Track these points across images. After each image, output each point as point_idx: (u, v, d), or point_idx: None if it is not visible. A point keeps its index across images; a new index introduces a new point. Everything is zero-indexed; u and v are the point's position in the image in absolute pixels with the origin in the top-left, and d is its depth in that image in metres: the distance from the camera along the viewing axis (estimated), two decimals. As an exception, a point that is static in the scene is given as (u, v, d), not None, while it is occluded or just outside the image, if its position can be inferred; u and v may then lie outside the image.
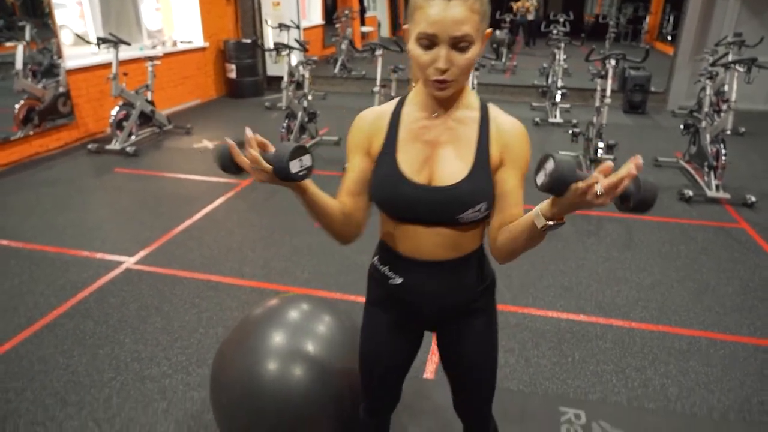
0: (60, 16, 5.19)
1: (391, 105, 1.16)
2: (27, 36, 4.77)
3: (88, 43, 5.55)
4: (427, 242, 1.13)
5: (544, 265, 3.20)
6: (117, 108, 5.25)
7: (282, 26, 7.58)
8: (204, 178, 4.64)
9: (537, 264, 3.19)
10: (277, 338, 1.59)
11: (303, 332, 1.63)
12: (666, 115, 7.15)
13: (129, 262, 3.20)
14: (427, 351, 2.42)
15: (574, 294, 2.93)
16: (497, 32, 10.07)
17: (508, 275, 3.04)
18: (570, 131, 5.08)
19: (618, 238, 3.59)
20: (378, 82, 4.92)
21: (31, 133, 4.95)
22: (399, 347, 1.32)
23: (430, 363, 2.36)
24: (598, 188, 0.81)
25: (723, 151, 4.17)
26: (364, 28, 13.21)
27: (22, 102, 4.83)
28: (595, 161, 4.50)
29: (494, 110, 1.12)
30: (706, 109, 4.69)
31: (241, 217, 3.88)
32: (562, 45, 6.98)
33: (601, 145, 4.50)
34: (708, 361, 2.40)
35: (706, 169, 4.36)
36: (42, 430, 1.97)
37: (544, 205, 0.93)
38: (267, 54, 8.17)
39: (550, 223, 0.93)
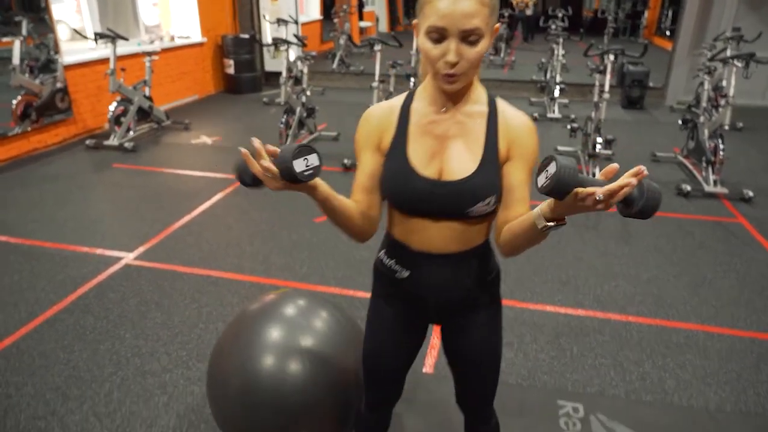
0: (57, 11, 5.16)
1: (399, 100, 1.17)
2: (23, 31, 4.75)
3: (86, 38, 5.53)
4: (436, 236, 1.14)
5: (542, 260, 3.22)
6: (115, 103, 5.24)
7: (280, 21, 7.56)
8: (203, 174, 4.64)
9: (535, 258, 3.21)
10: (274, 334, 1.60)
11: (299, 327, 1.63)
12: (664, 110, 7.16)
13: (128, 257, 3.20)
14: (427, 345, 2.43)
15: (572, 288, 2.94)
16: (496, 27, 10.04)
17: (506, 270, 3.04)
18: (568, 126, 5.08)
19: (616, 233, 3.60)
20: (377, 78, 4.91)
21: (29, 128, 4.94)
22: (404, 342, 1.33)
23: (429, 357, 2.37)
24: (598, 194, 0.81)
25: (721, 146, 4.18)
26: (363, 23, 13.18)
27: (19, 97, 4.82)
28: (594, 156, 4.51)
29: (502, 104, 1.13)
30: (704, 104, 4.70)
31: (240, 212, 3.89)
32: (561, 40, 6.98)
33: (599, 140, 4.51)
34: (705, 354, 2.42)
35: (704, 164, 4.37)
36: (43, 424, 1.99)
37: (545, 206, 0.94)
38: (265, 49, 8.14)
39: (551, 224, 0.93)
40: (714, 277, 3.07)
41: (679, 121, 5.06)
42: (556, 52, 6.99)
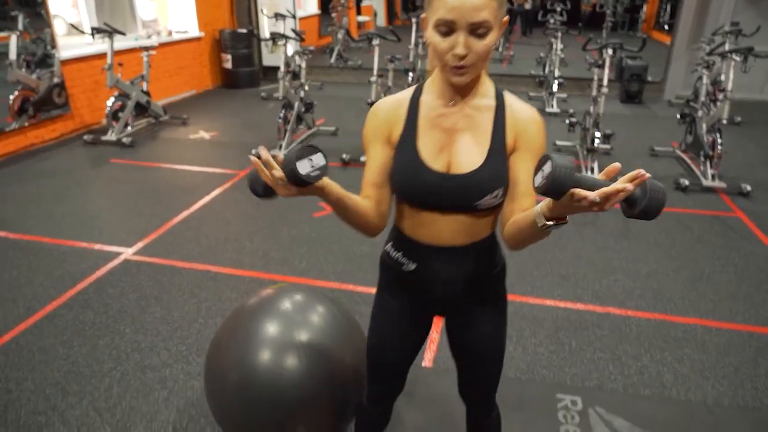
0: (53, 6, 5.13)
1: (407, 93, 1.17)
2: (20, 26, 4.72)
3: (82, 33, 5.50)
4: (444, 229, 1.15)
5: (542, 254, 3.22)
6: (112, 99, 5.22)
7: (278, 16, 7.52)
8: (201, 169, 4.63)
9: (534, 253, 3.21)
10: (271, 328, 1.60)
11: (296, 322, 1.64)
12: (663, 104, 7.16)
13: (127, 252, 3.20)
14: (426, 340, 2.43)
15: (571, 283, 2.95)
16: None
17: (507, 264, 3.05)
18: (567, 121, 5.08)
19: (614, 228, 3.61)
20: (375, 72, 4.89)
21: (26, 124, 4.93)
22: (409, 335, 1.34)
23: (428, 351, 2.38)
24: (594, 196, 0.80)
25: (719, 141, 4.19)
26: (361, 18, 13.13)
27: (16, 93, 4.80)
28: (592, 151, 4.51)
29: (510, 98, 1.13)
30: (702, 98, 4.69)
31: (239, 207, 3.88)
32: (559, 34, 6.96)
33: (597, 134, 4.51)
34: (703, 348, 2.43)
35: (702, 159, 4.38)
36: (44, 419, 1.99)
37: (544, 205, 0.93)
38: (263, 44, 8.12)
39: (550, 223, 0.93)
40: (712, 272, 3.08)
41: (678, 116, 5.06)
42: (554, 46, 6.98)
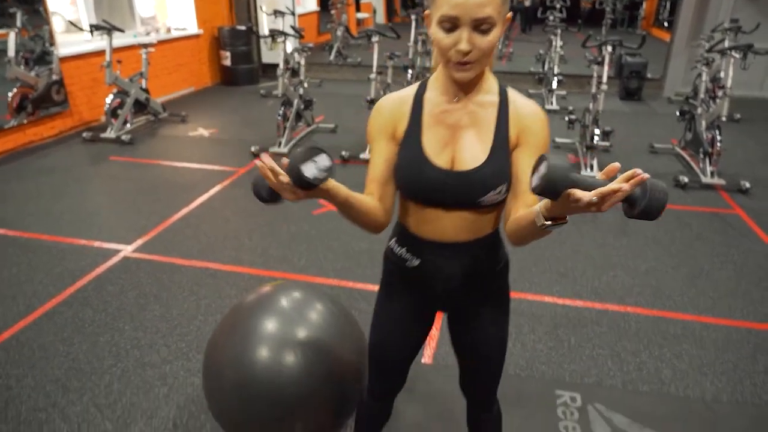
0: (51, 3, 5.12)
1: (411, 90, 1.17)
2: (18, 23, 4.71)
3: (81, 30, 5.49)
4: (448, 225, 1.15)
5: (541, 251, 3.22)
6: (111, 96, 5.21)
7: (277, 12, 7.51)
8: (200, 166, 4.63)
9: (533, 250, 3.22)
10: (268, 326, 1.60)
11: (294, 319, 1.63)
12: (662, 101, 7.16)
13: (126, 250, 3.20)
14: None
15: (570, 279, 2.96)
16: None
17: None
18: (566, 118, 5.08)
19: (614, 224, 3.61)
20: (374, 69, 4.89)
21: (25, 121, 4.92)
22: (412, 331, 1.34)
23: (428, 348, 2.38)
24: (591, 197, 0.80)
25: (718, 138, 4.19)
26: (360, 15, 13.11)
27: (15, 90, 4.79)
28: (592, 148, 4.51)
29: (513, 94, 1.13)
30: (702, 95, 4.70)
31: (238, 204, 3.88)
32: (559, 31, 6.95)
33: (597, 131, 4.51)
34: (701, 344, 2.44)
35: (702, 156, 4.38)
36: (44, 415, 1.99)
37: (543, 204, 0.93)
38: (262, 41, 8.10)
39: (549, 223, 0.93)
40: (711, 269, 3.08)
41: (677, 113, 5.06)
42: (554, 43, 6.97)
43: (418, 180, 1.12)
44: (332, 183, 0.96)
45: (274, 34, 5.32)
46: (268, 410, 1.55)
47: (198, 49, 7.51)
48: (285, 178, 0.90)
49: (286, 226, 3.53)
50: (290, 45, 5.77)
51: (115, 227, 3.51)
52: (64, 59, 5.23)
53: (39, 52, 4.98)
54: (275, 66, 5.55)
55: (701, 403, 2.10)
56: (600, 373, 2.26)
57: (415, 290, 1.26)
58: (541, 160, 0.84)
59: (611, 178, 0.81)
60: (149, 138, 5.42)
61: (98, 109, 5.69)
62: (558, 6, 9.26)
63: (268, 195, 0.96)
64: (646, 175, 0.79)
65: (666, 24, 11.61)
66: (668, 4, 12.14)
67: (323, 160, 0.91)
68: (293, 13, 7.96)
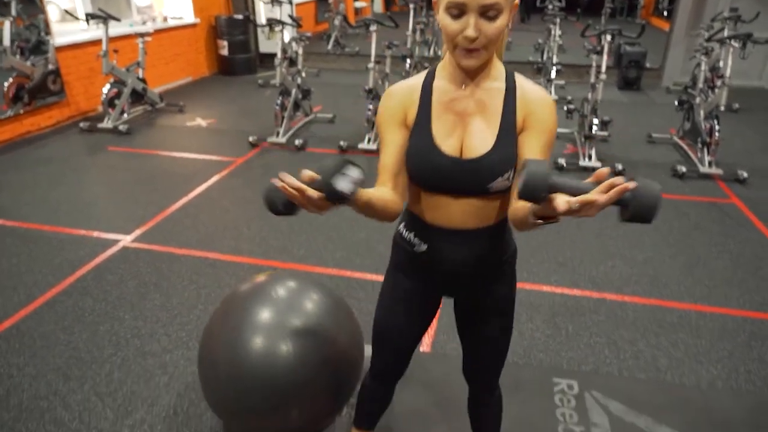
0: (47, -9, 5.07)
1: (420, 78, 1.17)
2: (13, 12, 4.67)
3: (77, 19, 5.45)
4: (456, 212, 1.15)
5: (539, 241, 3.24)
6: (108, 86, 5.18)
7: (274, 1, 7.44)
8: (198, 156, 4.62)
9: (531, 239, 3.23)
10: (263, 315, 1.61)
11: (288, 308, 1.64)
12: (661, 91, 7.15)
13: (126, 240, 3.20)
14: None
15: (568, 269, 2.97)
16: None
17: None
18: (565, 108, 5.07)
19: (611, 214, 3.60)
20: (372, 59, 4.87)
21: (22, 111, 4.89)
22: (416, 314, 1.35)
23: (426, 336, 2.40)
24: (572, 204, 0.80)
25: (716, 128, 4.19)
26: (358, 4, 13.01)
27: (11, 80, 4.76)
28: (590, 137, 4.51)
29: (521, 79, 1.14)
30: (700, 85, 4.69)
31: (237, 194, 3.88)
32: (558, 21, 6.92)
33: (595, 121, 4.50)
34: (698, 333, 2.46)
35: (700, 146, 4.38)
36: (46, 404, 2.01)
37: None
38: (259, 30, 8.04)
39: (540, 221, 0.93)
40: (708, 258, 3.10)
41: (676, 102, 5.06)
42: (552, 32, 6.94)
43: (427, 167, 1.12)
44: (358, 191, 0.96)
45: (272, 23, 5.28)
46: (263, 399, 1.56)
47: (195, 39, 7.46)
48: (314, 193, 0.88)
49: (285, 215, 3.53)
50: (288, 34, 5.73)
51: (114, 217, 3.51)
52: (60, 48, 5.19)
53: (34, 42, 4.95)
54: (273, 55, 5.52)
55: (697, 391, 2.12)
56: (597, 361, 2.28)
57: (422, 274, 1.27)
58: (523, 165, 0.85)
59: (600, 182, 0.82)
60: (147, 128, 5.40)
61: (95, 99, 5.66)
62: (557, -5, 9.19)
63: (285, 207, 0.93)
64: (630, 185, 0.79)
65: (665, 13, 11.55)
66: (668, -7, 12.07)
67: (354, 172, 0.90)
68: (291, 2, 7.90)
